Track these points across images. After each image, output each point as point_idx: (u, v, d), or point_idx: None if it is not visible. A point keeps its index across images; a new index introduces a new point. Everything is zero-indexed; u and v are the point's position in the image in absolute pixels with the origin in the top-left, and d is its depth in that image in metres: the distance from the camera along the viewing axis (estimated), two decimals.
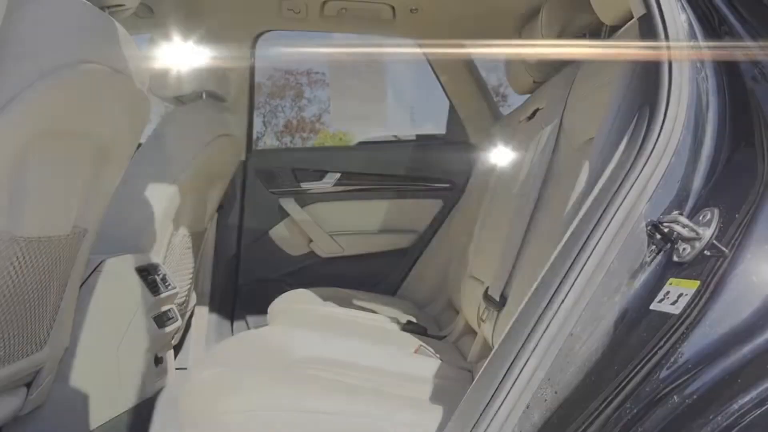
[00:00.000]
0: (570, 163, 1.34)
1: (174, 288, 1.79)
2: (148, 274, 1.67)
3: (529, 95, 2.14)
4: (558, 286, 0.83)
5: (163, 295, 1.68)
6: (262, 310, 2.51)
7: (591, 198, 0.90)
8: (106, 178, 1.41)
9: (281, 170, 2.55)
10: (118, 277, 1.57)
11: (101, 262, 1.57)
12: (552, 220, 1.28)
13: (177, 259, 2.04)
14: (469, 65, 2.51)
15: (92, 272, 1.57)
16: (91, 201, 1.40)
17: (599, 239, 0.83)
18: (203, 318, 2.48)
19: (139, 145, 1.99)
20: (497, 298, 1.42)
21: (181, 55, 1.97)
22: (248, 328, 2.54)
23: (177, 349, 2.44)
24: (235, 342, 1.35)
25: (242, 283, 2.57)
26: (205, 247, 2.40)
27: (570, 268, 0.83)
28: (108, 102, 1.24)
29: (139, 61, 1.33)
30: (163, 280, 1.75)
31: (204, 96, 2.10)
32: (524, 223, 1.43)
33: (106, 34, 1.21)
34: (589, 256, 0.83)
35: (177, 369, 2.44)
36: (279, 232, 2.57)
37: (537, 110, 1.67)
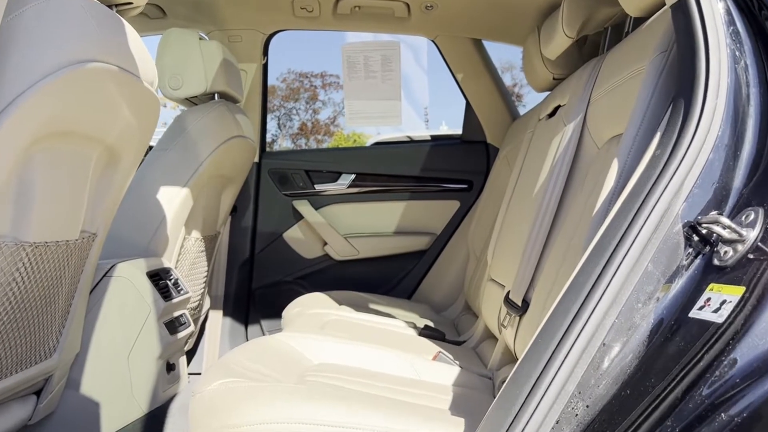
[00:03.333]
0: (595, 161, 1.28)
1: (186, 293, 1.76)
2: (159, 278, 1.64)
3: (547, 92, 2.09)
4: (589, 293, 0.77)
5: (175, 300, 1.65)
6: (277, 314, 2.48)
7: (622, 198, 0.84)
8: (116, 181, 1.38)
9: (295, 172, 2.52)
10: (129, 282, 1.54)
11: (112, 266, 1.54)
12: (576, 222, 1.22)
13: (190, 263, 2.01)
14: (486, 63, 2.45)
15: (102, 277, 1.54)
16: (100, 204, 1.37)
17: (633, 242, 0.77)
18: (217, 322, 2.44)
19: (151, 147, 1.97)
20: (519, 303, 1.36)
21: (192, 56, 1.93)
22: (263, 333, 2.51)
23: (191, 354, 2.41)
24: (248, 349, 1.30)
25: (256, 287, 2.53)
26: (218, 250, 2.37)
27: (601, 273, 0.78)
28: (115, 102, 1.20)
29: (147, 60, 1.30)
30: (175, 284, 1.71)
31: (216, 97, 2.06)
32: (546, 225, 1.37)
33: (113, 32, 1.17)
34: (622, 260, 0.77)
35: (190, 374, 2.41)
36: (293, 235, 2.53)
37: (558, 107, 1.61)
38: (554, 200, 1.38)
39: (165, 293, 1.63)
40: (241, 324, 2.50)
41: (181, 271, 1.96)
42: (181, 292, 1.73)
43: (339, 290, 2.34)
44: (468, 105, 2.50)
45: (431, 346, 1.62)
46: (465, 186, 2.50)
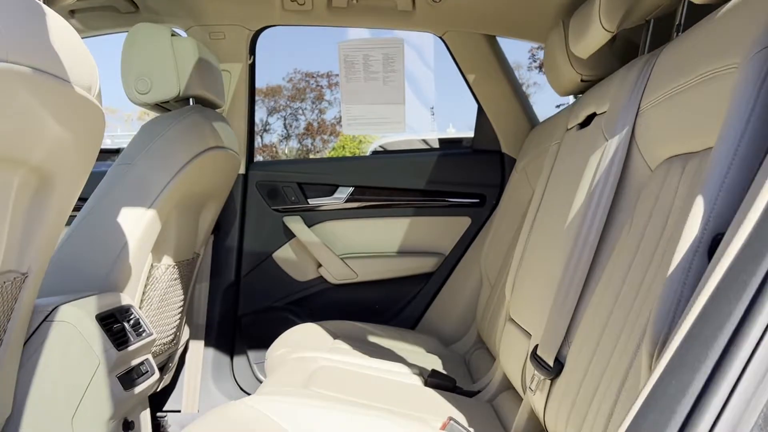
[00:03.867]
0: (647, 187, 1.00)
1: (150, 335, 1.49)
2: (113, 321, 1.37)
3: (572, 96, 1.81)
4: (721, 359, 0.50)
5: (132, 347, 1.38)
6: (266, 344, 2.20)
7: (731, 252, 0.57)
8: (51, 208, 1.12)
9: (286, 185, 2.25)
10: (74, 327, 1.27)
11: (52, 310, 1.28)
12: (626, 266, 0.95)
13: (160, 294, 1.74)
14: (501, 62, 2.17)
15: (42, 322, 1.27)
16: (32, 238, 1.11)
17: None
18: (198, 354, 2.18)
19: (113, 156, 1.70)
20: (550, 363, 1.09)
21: (163, 55, 1.67)
22: (250, 365, 2.24)
23: (169, 389, 2.14)
24: (211, 424, 1.04)
25: (242, 314, 2.26)
26: (199, 273, 2.11)
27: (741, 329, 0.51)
28: (35, 114, 0.93)
29: (82, 61, 1.03)
30: (136, 326, 1.45)
31: (192, 102, 1.79)
32: (584, 265, 1.09)
33: (29, 25, 0.91)
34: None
35: (168, 411, 2.15)
36: (284, 255, 2.26)
37: (593, 115, 1.33)
38: (594, 234, 1.10)
39: (120, 339, 1.36)
40: (226, 355, 2.23)
41: (149, 304, 1.69)
42: (143, 334, 1.46)
43: (334, 319, 2.07)
44: (480, 110, 2.22)
45: (440, 405, 1.34)
46: (477, 201, 2.22)
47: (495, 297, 1.86)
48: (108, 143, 6.67)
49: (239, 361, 2.24)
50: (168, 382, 2.04)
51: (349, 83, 2.20)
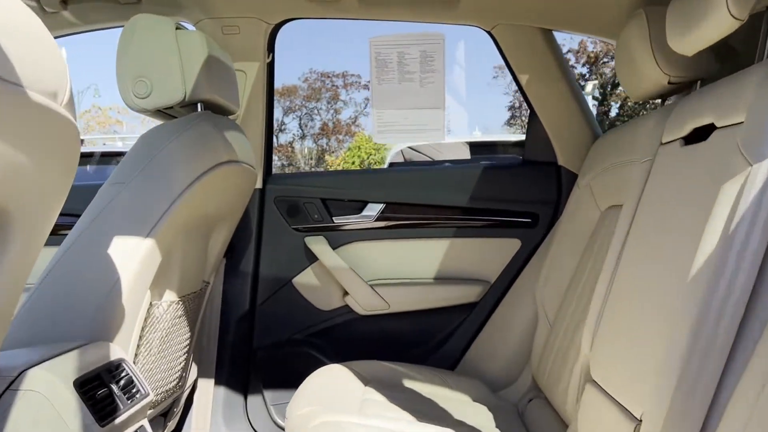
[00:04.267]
0: None
1: (146, 395, 1.21)
2: (98, 385, 1.09)
3: (647, 102, 1.51)
4: None
5: (121, 419, 1.10)
6: (285, 382, 1.94)
7: None
8: (9, 251, 0.85)
9: (308, 200, 1.97)
10: (45, 399, 1.00)
11: (18, 375, 1.00)
12: None
13: (162, 336, 1.47)
14: (560, 61, 1.87)
15: (5, 390, 1.00)
16: None
17: None
18: (208, 394, 1.91)
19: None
20: None
21: (165, 51, 1.40)
22: (266, 407, 1.96)
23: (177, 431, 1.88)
24: None
25: (258, 347, 1.99)
26: (208, 303, 1.83)
27: None
28: None
29: (46, 58, 0.75)
30: (128, 386, 1.17)
31: (200, 107, 1.52)
32: (725, 337, 0.80)
33: None
34: None
35: None
36: (305, 281, 1.98)
37: (711, 128, 1.03)
38: (739, 294, 0.80)
39: (106, 408, 1.08)
40: (239, 394, 1.96)
41: (148, 350, 1.42)
42: (137, 396, 1.18)
43: (362, 356, 1.79)
44: (533, 115, 1.92)
45: None
46: (528, 220, 1.92)
47: (557, 340, 1.57)
48: (119, 146, 6.43)
49: (254, 401, 1.97)
50: (173, 428, 1.77)
51: (381, 85, 1.92)
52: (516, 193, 1.93)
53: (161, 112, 1.48)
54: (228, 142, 1.49)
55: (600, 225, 1.59)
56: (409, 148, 4.58)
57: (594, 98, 17.02)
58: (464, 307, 1.95)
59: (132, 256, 1.28)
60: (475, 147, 3.74)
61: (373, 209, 1.96)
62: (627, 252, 1.22)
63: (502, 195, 1.94)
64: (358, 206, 1.97)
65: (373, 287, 1.93)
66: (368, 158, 19.22)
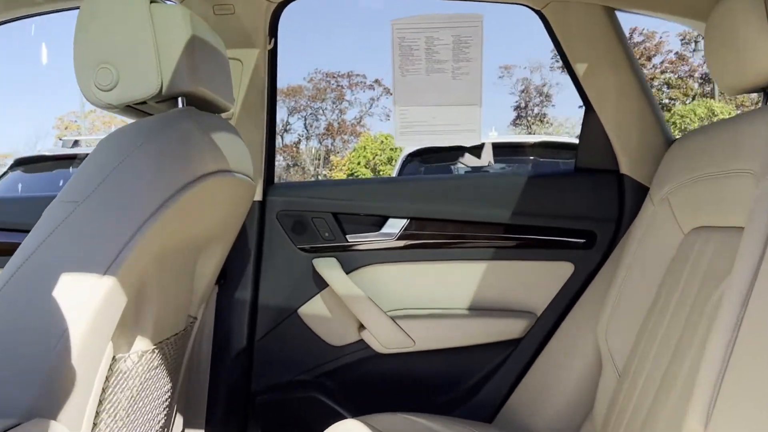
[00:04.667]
0: None
1: None
2: None
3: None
4: None
5: None
6: None
7: None
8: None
9: (317, 215, 1.64)
10: None
11: None
12: None
13: (132, 394, 1.14)
14: (624, 46, 1.54)
15: None
16: None
17: None
18: None
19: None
20: None
21: (136, 32, 1.08)
22: None
23: None
24: None
25: (257, 391, 1.66)
26: (196, 342, 1.51)
27: None
28: None
29: None
30: None
31: (182, 103, 1.19)
32: None
33: None
34: None
35: None
36: (313, 312, 1.66)
37: None
38: None
39: None
40: None
41: (113, 414, 1.10)
42: None
43: (380, 402, 1.47)
44: (589, 112, 1.59)
45: None
46: (583, 240, 1.60)
47: (634, 395, 1.23)
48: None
49: None
50: None
51: (405, 76, 1.59)
52: (568, 207, 1.60)
53: (132, 109, 1.16)
54: (217, 146, 1.16)
55: (684, 251, 1.26)
56: (411, 154, 4.14)
57: None
58: (505, 345, 1.62)
59: (86, 299, 0.96)
60: (502, 149, 3.40)
61: (396, 225, 1.64)
62: (759, 292, 0.89)
63: (552, 209, 1.61)
64: (378, 222, 1.65)
65: (395, 320, 1.60)
66: (374, 158, 18.96)
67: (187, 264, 1.30)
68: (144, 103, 1.14)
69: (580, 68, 1.52)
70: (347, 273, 1.63)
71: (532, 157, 3.90)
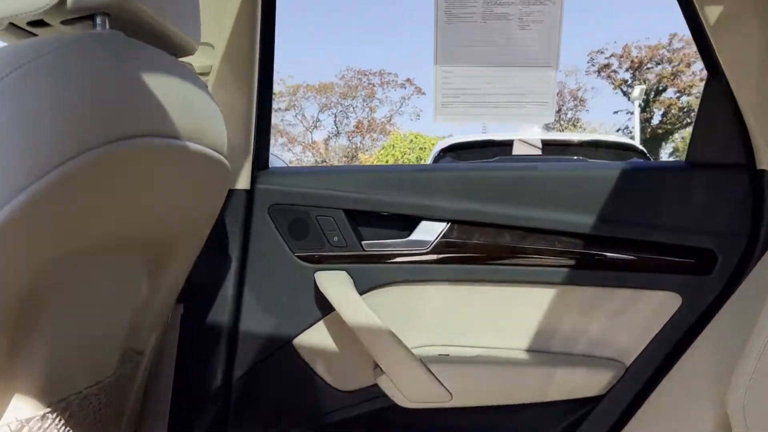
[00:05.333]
0: None
1: None
2: None
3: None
4: None
5: None
6: None
7: None
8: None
9: (322, 212, 1.20)
10: None
11: None
12: None
13: None
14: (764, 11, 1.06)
15: None
16: None
17: None
18: None
19: None
20: None
21: None
22: None
23: None
24: None
25: None
26: (147, 388, 1.09)
27: None
28: None
29: None
30: None
31: (102, 24, 0.75)
32: None
33: None
34: None
35: None
36: (313, 343, 1.22)
37: None
38: None
39: None
40: None
41: None
42: None
43: None
44: (716, 82, 1.12)
45: None
46: (693, 261, 1.12)
47: None
48: None
49: None
50: None
51: (451, 24, 1.14)
52: (676, 215, 1.13)
53: (14, 27, 0.73)
54: (153, 96, 0.73)
55: None
56: (443, 150, 3.68)
57: (639, 105, 16.50)
58: (578, 405, 1.16)
59: None
60: (553, 147, 2.92)
61: (430, 231, 1.19)
62: None
63: (651, 217, 1.14)
64: (406, 225, 1.20)
65: (426, 363, 1.15)
66: (402, 157, 18.61)
67: (124, 274, 0.87)
68: (44, 23, 0.72)
69: (710, 14, 1.05)
70: (361, 293, 1.19)
71: (579, 157, 3.42)
